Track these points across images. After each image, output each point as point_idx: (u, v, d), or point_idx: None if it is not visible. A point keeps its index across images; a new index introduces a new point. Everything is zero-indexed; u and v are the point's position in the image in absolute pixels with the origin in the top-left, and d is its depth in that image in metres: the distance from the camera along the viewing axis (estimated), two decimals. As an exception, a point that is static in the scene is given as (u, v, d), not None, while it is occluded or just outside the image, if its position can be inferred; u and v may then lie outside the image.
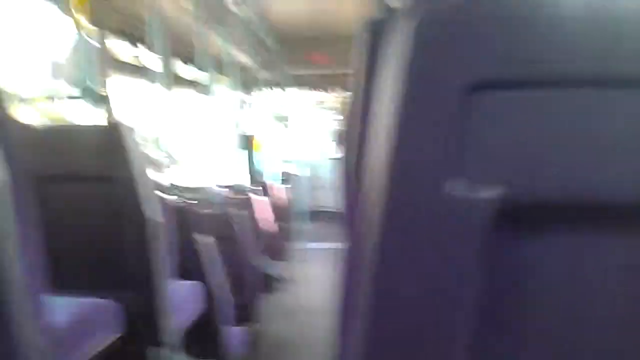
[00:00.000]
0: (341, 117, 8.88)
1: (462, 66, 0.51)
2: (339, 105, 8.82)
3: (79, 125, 2.26)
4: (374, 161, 0.56)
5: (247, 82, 6.85)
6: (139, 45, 3.95)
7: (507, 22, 0.51)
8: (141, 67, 3.97)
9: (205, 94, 3.49)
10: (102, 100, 2.02)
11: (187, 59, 5.01)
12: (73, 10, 1.96)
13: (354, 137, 1.40)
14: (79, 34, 1.97)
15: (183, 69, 5.11)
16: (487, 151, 0.52)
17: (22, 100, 2.01)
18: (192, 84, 4.95)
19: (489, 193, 0.51)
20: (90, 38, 3.20)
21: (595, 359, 0.56)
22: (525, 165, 0.52)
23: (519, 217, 0.53)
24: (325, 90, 8.34)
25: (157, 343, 2.05)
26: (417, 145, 0.52)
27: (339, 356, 0.65)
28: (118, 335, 1.68)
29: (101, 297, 1.69)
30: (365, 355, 0.56)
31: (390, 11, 1.98)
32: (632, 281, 0.55)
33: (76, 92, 1.96)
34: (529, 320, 0.56)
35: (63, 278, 1.53)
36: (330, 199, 7.78)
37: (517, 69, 0.51)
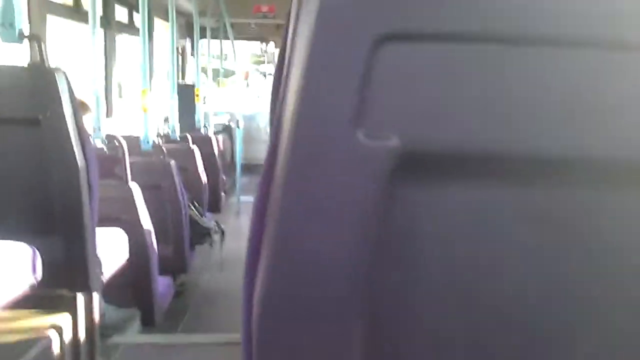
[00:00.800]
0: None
1: (368, 19, 0.52)
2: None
3: (4, 66, 2.15)
4: (286, 113, 0.57)
5: (188, 30, 6.65)
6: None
7: None
8: (80, 10, 3.79)
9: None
10: (31, 39, 1.92)
11: (131, 5, 4.82)
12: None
13: (278, 90, 1.41)
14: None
15: (124, 15, 4.92)
16: (390, 103, 0.54)
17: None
18: (136, 30, 4.78)
19: (388, 142, 0.53)
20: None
21: (490, 311, 0.60)
22: (425, 117, 0.54)
23: (417, 167, 0.55)
24: (266, 41, 8.22)
25: (81, 289, 2.03)
26: (323, 95, 0.53)
27: (244, 299, 0.66)
28: (37, 280, 1.65)
29: (23, 242, 1.64)
30: (267, 297, 0.57)
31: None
32: (521, 232, 0.58)
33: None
34: (421, 268, 0.58)
35: None
36: (265, 152, 7.74)
37: (422, 23, 0.53)
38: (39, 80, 1.84)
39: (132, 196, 2.63)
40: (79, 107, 2.01)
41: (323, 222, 0.55)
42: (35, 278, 1.64)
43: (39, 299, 1.90)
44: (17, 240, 1.66)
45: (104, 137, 2.80)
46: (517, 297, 0.59)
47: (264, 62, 9.66)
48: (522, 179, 0.57)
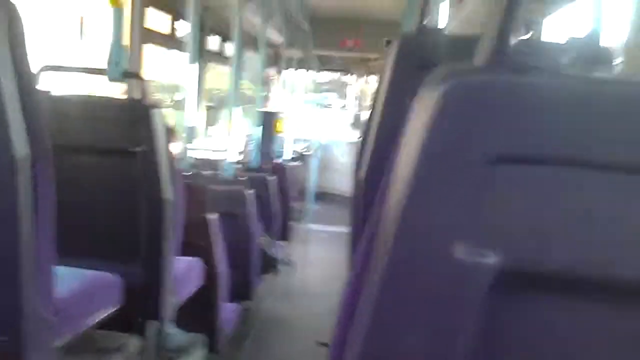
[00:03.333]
0: (360, 103, 8.88)
1: (483, 139, 0.54)
2: (360, 90, 8.81)
3: (105, 97, 2.30)
4: (391, 207, 0.59)
5: (275, 60, 6.84)
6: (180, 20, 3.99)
7: (531, 102, 0.55)
8: (174, 38, 4.01)
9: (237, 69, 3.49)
10: (129, 75, 2.06)
11: (226, 37, 5.03)
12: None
13: (365, 145, 1.44)
14: (117, 7, 2.00)
15: (217, 45, 5.13)
16: (496, 220, 0.55)
17: (48, 68, 2.04)
18: (225, 59, 4.98)
19: (490, 259, 0.54)
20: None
21: None
22: (530, 236, 0.55)
23: (517, 285, 0.56)
24: (350, 73, 8.32)
25: (154, 316, 2.12)
26: (431, 205, 0.55)
27: None
28: (117, 307, 1.75)
29: (106, 270, 1.75)
30: None
31: (424, 28, 2.00)
32: (625, 355, 0.58)
33: (107, 66, 1.99)
34: None
35: (74, 248, 1.59)
36: (339, 182, 7.82)
37: (532, 147, 0.54)
38: (138, 115, 1.95)
39: (211, 226, 2.73)
40: (170, 138, 2.12)
41: (417, 329, 0.56)
42: (116, 306, 1.73)
43: (116, 322, 2.00)
44: (102, 265, 1.76)
45: (188, 164, 2.92)
46: None
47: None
48: (625, 303, 0.57)
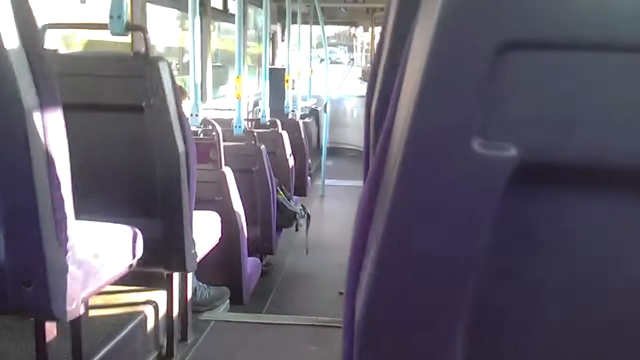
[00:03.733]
0: (368, 56, 8.76)
1: (490, 27, 0.51)
2: (367, 42, 8.68)
3: (111, 53, 2.28)
4: (401, 111, 0.57)
5: (280, 15, 6.74)
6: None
7: None
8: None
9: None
10: (132, 28, 2.03)
11: None
12: None
13: (376, 80, 1.42)
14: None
15: (221, 2, 5.06)
16: (512, 111, 0.53)
17: (51, 26, 2.02)
18: (229, 17, 4.93)
19: (508, 152, 0.52)
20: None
21: (605, 322, 0.59)
22: (545, 127, 0.53)
23: (535, 178, 0.54)
24: (356, 25, 8.19)
25: (177, 268, 2.15)
26: (443, 100, 0.53)
27: (347, 295, 0.68)
28: (139, 259, 1.76)
29: (125, 223, 1.76)
30: (372, 300, 0.59)
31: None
32: (636, 244, 0.56)
33: (108, 20, 1.96)
34: (539, 278, 0.58)
35: (91, 204, 1.60)
36: (351, 136, 7.80)
37: (546, 30, 0.52)
38: (144, 69, 1.93)
39: (226, 180, 2.74)
40: (179, 94, 2.10)
41: (434, 227, 0.55)
42: (136, 257, 1.75)
43: (138, 277, 2.03)
44: (120, 220, 1.77)
45: (200, 122, 2.92)
46: (637, 311, 0.58)
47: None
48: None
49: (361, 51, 8.97)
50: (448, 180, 0.54)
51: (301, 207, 4.01)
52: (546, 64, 0.52)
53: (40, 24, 1.95)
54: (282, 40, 7.29)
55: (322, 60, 7.93)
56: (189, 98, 2.99)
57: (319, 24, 6.21)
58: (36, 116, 1.23)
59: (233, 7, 5.00)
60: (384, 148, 0.63)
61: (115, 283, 1.75)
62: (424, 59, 0.53)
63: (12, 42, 1.18)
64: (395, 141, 0.58)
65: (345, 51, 8.86)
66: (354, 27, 8.45)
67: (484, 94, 0.52)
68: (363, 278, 0.61)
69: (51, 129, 1.28)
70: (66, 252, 1.39)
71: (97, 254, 1.55)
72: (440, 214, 0.55)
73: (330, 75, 6.79)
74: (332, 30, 8.73)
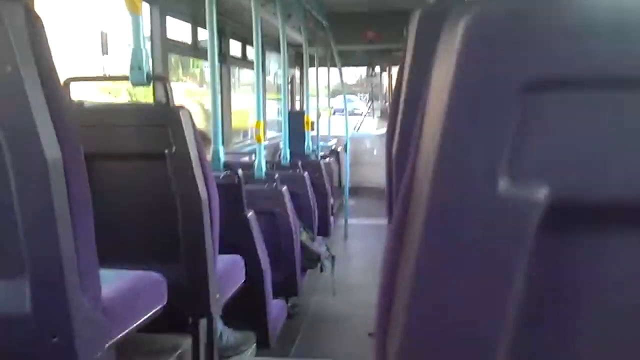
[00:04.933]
0: (386, 95, 8.84)
1: (513, 66, 0.51)
2: (385, 84, 8.77)
3: (132, 104, 2.34)
4: (424, 153, 0.56)
5: (297, 60, 6.87)
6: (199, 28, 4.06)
7: (562, 23, 0.51)
8: (197, 47, 4.07)
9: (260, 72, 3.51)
10: (156, 80, 2.08)
11: (244, 40, 5.08)
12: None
13: (396, 119, 1.43)
14: (135, 13, 2.03)
15: (237, 49, 5.19)
16: (540, 152, 0.51)
17: (74, 79, 2.09)
18: (249, 63, 5.05)
19: (538, 194, 0.51)
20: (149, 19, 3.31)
21: None
22: (577, 166, 0.52)
23: (566, 218, 0.53)
24: (373, 67, 8.29)
25: (203, 313, 2.15)
26: (468, 143, 0.52)
27: (377, 342, 0.67)
28: (164, 305, 1.77)
29: (149, 270, 1.77)
30: (404, 349, 0.57)
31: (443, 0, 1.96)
32: None
33: (129, 72, 2.02)
34: (573, 325, 0.56)
35: (115, 252, 1.62)
36: (372, 175, 7.81)
37: (569, 69, 0.51)
38: (165, 117, 1.98)
39: (249, 224, 2.75)
40: (201, 140, 2.14)
41: (464, 275, 0.53)
42: (161, 303, 1.75)
43: (163, 323, 2.03)
44: (145, 267, 1.79)
45: (222, 166, 2.95)
46: None
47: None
48: None
49: (380, 97, 9.06)
50: (476, 226, 0.52)
51: (325, 248, 4.00)
52: (573, 103, 0.51)
53: (64, 77, 2.03)
54: (301, 84, 7.41)
55: (334, 111, 7.96)
56: (211, 144, 3.04)
57: (336, 67, 6.30)
58: (58, 168, 1.26)
59: (251, 54, 5.13)
60: (407, 191, 0.62)
61: (141, 330, 1.75)
62: (446, 101, 0.52)
63: (35, 96, 1.22)
64: (418, 184, 0.57)
65: (365, 99, 8.91)
66: (371, 69, 8.54)
67: (509, 134, 0.51)
68: (393, 325, 0.60)
69: (73, 180, 1.31)
70: (91, 300, 1.40)
71: (122, 301, 1.56)
72: (469, 261, 0.53)
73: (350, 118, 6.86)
74: (351, 75, 8.82)
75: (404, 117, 1.32)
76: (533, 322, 0.55)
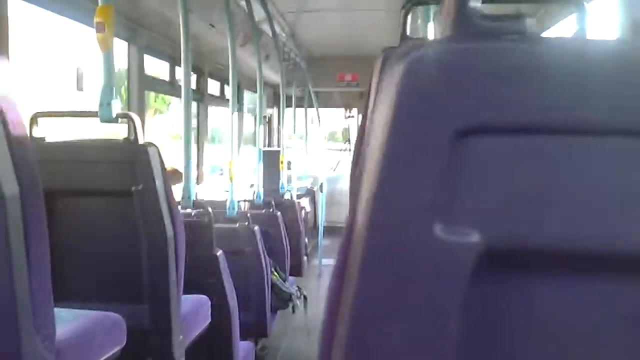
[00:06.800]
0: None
1: (449, 112, 0.51)
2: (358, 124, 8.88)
3: (100, 140, 2.33)
4: (363, 194, 0.56)
5: (275, 99, 6.94)
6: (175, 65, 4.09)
7: (496, 71, 0.52)
8: (175, 85, 4.09)
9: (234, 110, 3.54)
10: (121, 116, 2.08)
11: (222, 79, 5.13)
12: (100, 27, 2.02)
13: (359, 160, 1.44)
14: (107, 51, 2.03)
15: (215, 88, 5.23)
16: (474, 196, 0.52)
17: (40, 114, 2.07)
18: (226, 102, 5.10)
19: (472, 238, 0.51)
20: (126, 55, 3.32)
21: None
22: (512, 211, 0.52)
23: (502, 263, 0.53)
24: (349, 108, 8.39)
25: (164, 357, 2.09)
26: (405, 185, 0.52)
27: None
28: (120, 348, 1.72)
29: (109, 310, 1.73)
30: None
31: (405, 41, 2.01)
32: (613, 332, 0.54)
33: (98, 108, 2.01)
34: None
35: (75, 290, 1.58)
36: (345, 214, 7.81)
37: (504, 116, 0.51)
38: (133, 154, 1.97)
39: (218, 263, 2.71)
40: (171, 177, 2.13)
41: (400, 318, 0.53)
42: (120, 345, 1.71)
43: None
44: (105, 307, 1.74)
45: (193, 204, 2.93)
46: None
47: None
48: (615, 276, 0.53)
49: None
50: (411, 268, 0.52)
51: (297, 288, 3.96)
52: (507, 149, 0.52)
53: (29, 113, 2.01)
54: (278, 123, 7.47)
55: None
56: (181, 181, 3.02)
57: (313, 107, 6.37)
58: (15, 204, 1.24)
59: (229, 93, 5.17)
60: (349, 232, 0.61)
61: None
62: (383, 144, 0.52)
63: None
64: (358, 225, 0.57)
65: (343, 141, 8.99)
66: (349, 111, 8.64)
67: (444, 179, 0.51)
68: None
69: (30, 216, 1.29)
70: (44, 340, 1.36)
71: (77, 342, 1.51)
72: (404, 305, 0.53)
73: (327, 155, 6.90)
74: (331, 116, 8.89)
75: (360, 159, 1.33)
76: None
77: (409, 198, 0.52)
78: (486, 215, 0.52)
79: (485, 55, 0.53)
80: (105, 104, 1.99)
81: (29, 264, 1.29)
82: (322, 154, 6.82)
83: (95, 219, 2.06)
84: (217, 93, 5.28)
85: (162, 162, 2.03)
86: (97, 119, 2.01)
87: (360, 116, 8.47)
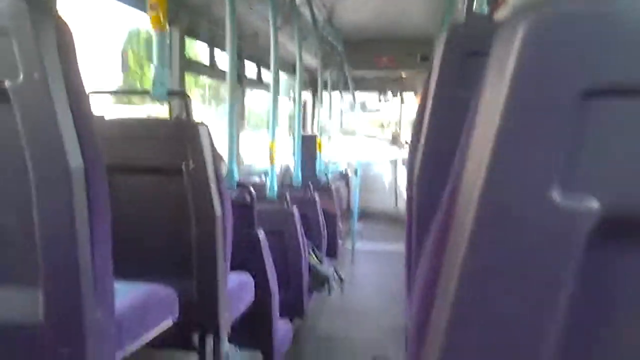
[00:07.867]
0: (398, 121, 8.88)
1: (571, 74, 0.50)
2: (396, 109, 8.82)
3: (153, 119, 2.37)
4: (473, 162, 0.55)
5: (311, 84, 6.93)
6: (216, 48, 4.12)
7: (624, 28, 0.50)
8: (215, 68, 4.13)
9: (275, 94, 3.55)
10: (175, 96, 2.11)
11: (262, 63, 5.15)
12: (149, 8, 2.05)
13: (417, 147, 1.42)
14: (156, 31, 2.06)
15: (255, 72, 5.26)
16: (596, 162, 0.50)
17: (94, 92, 2.12)
18: (263, 85, 5.13)
19: (590, 204, 0.50)
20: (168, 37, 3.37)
21: None
22: (631, 178, 0.50)
23: (620, 232, 0.52)
24: (386, 92, 8.34)
25: (211, 331, 2.14)
26: (521, 153, 0.51)
27: (411, 356, 0.65)
28: (174, 321, 1.77)
29: (161, 283, 1.77)
30: (447, 355, 0.55)
31: (473, 16, 1.96)
32: None
33: (149, 88, 2.05)
34: (620, 336, 0.55)
35: (128, 264, 1.62)
36: (381, 200, 7.83)
37: (629, 76, 0.49)
38: (184, 133, 2.00)
39: (259, 242, 2.75)
40: (218, 157, 2.16)
41: (512, 285, 0.52)
42: (173, 318, 1.75)
43: (172, 338, 2.02)
44: (156, 281, 1.79)
45: (236, 185, 2.97)
46: None
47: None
48: None
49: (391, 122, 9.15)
50: (526, 235, 0.51)
51: (333, 271, 3.99)
52: (634, 112, 0.50)
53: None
54: (314, 107, 7.47)
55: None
56: (224, 162, 3.06)
57: (348, 91, 6.34)
58: (80, 176, 1.28)
59: (266, 76, 5.18)
60: (450, 206, 0.60)
61: (152, 344, 1.75)
62: (499, 112, 0.51)
63: (62, 107, 1.23)
64: (464, 197, 0.56)
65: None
66: (383, 95, 8.57)
67: (566, 142, 0.50)
68: (431, 341, 0.59)
69: (94, 191, 1.32)
70: (104, 312, 1.40)
71: (134, 315, 1.56)
72: (518, 271, 0.52)
73: (361, 140, 6.89)
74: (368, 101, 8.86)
75: (427, 143, 1.30)
76: (581, 334, 0.54)
77: (529, 161, 0.51)
78: (606, 181, 0.50)
79: (615, 12, 0.50)
80: (159, 82, 2.02)
81: (92, 237, 1.33)
82: (359, 139, 6.80)
83: (146, 195, 2.10)
84: (253, 76, 5.30)
85: (212, 141, 2.06)
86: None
87: (404, 97, 8.42)
